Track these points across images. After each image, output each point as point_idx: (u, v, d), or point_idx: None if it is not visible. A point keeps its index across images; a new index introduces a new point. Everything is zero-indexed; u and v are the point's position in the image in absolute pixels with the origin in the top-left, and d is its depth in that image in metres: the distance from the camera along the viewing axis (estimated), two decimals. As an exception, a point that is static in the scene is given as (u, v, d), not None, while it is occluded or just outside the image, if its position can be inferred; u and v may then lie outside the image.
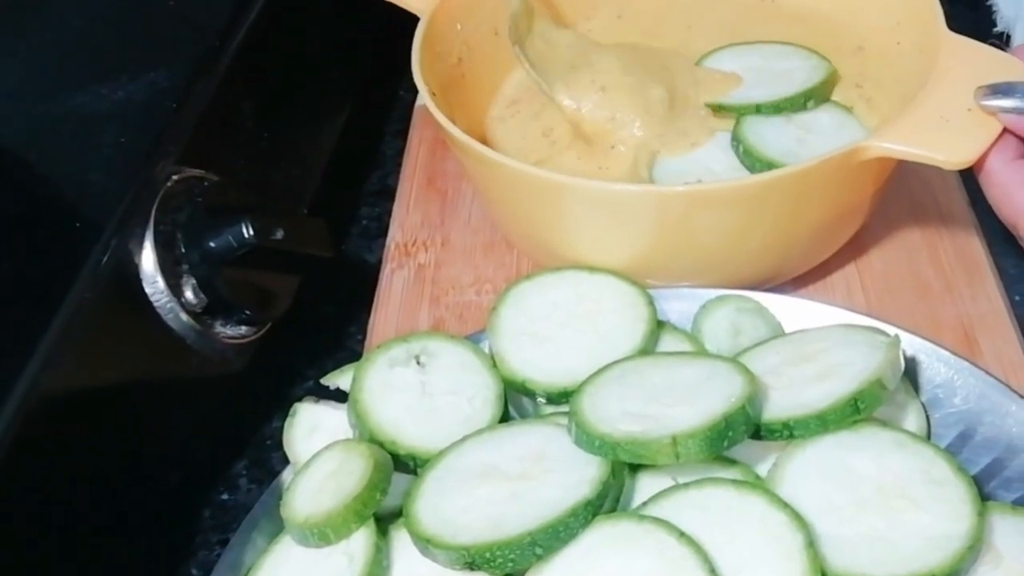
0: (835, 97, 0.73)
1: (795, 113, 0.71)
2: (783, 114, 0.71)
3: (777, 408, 0.53)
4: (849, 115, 0.71)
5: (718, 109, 0.72)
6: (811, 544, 0.47)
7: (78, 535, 0.58)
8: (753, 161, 0.68)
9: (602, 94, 0.71)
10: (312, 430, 0.58)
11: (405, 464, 0.55)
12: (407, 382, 0.58)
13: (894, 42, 0.72)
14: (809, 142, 0.69)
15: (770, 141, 0.68)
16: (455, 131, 0.64)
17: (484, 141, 0.68)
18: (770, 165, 0.67)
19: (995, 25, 0.88)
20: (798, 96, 0.71)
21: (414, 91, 0.68)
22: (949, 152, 0.58)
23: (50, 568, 0.56)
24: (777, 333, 0.61)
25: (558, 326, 0.61)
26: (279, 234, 0.61)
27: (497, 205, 0.71)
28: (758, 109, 0.70)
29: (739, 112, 0.71)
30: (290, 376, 0.73)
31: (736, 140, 0.69)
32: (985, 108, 0.59)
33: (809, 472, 0.51)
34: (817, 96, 0.71)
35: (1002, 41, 0.87)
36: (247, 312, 0.62)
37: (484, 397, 0.58)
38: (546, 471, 0.51)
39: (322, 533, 0.51)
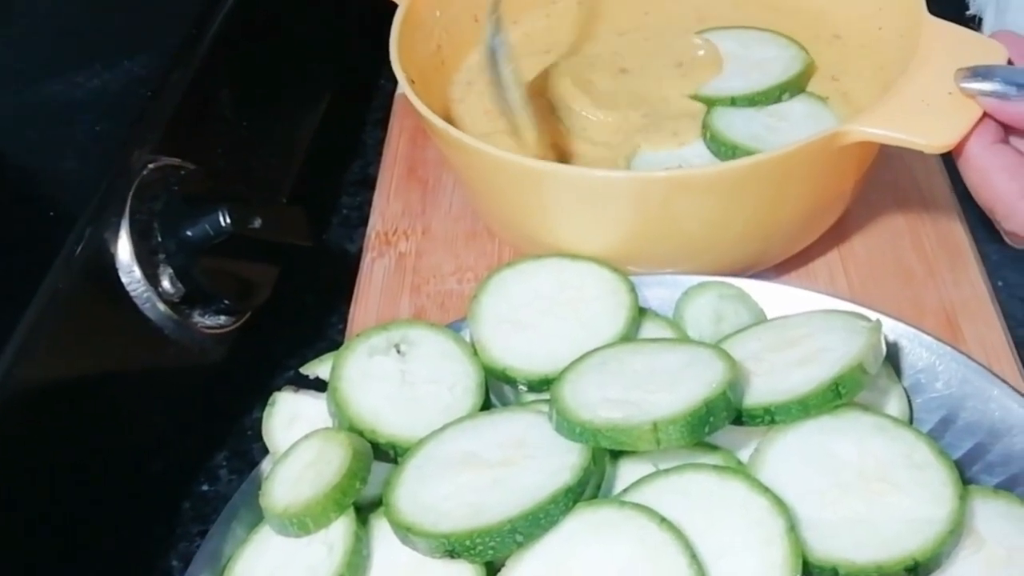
0: (810, 88, 0.73)
1: (768, 104, 0.71)
2: (757, 106, 0.70)
3: (759, 393, 0.53)
4: (823, 106, 0.71)
5: (695, 99, 0.72)
6: (792, 528, 0.47)
7: (57, 528, 0.57)
8: (719, 145, 0.67)
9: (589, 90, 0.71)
10: (291, 420, 0.58)
11: (385, 453, 0.54)
12: (387, 371, 0.57)
13: (875, 27, 0.72)
14: (780, 129, 0.69)
15: (738, 128, 0.68)
16: (434, 118, 0.63)
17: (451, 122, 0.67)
18: (735, 149, 0.67)
19: (967, 8, 0.88)
20: (773, 89, 0.70)
21: (394, 80, 0.68)
22: (930, 136, 0.58)
23: (30, 560, 0.56)
24: (759, 319, 0.61)
25: (539, 314, 0.61)
26: (257, 223, 0.61)
27: (478, 193, 0.70)
28: (733, 102, 0.70)
29: (714, 103, 0.71)
30: (270, 366, 0.73)
31: (705, 127, 0.69)
32: (965, 91, 0.58)
33: (790, 457, 0.51)
34: (792, 89, 0.71)
35: (974, 24, 0.87)
36: (226, 302, 0.62)
37: (465, 385, 0.57)
38: (527, 458, 0.51)
39: (301, 522, 0.50)
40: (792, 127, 0.69)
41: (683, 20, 0.78)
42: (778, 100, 0.71)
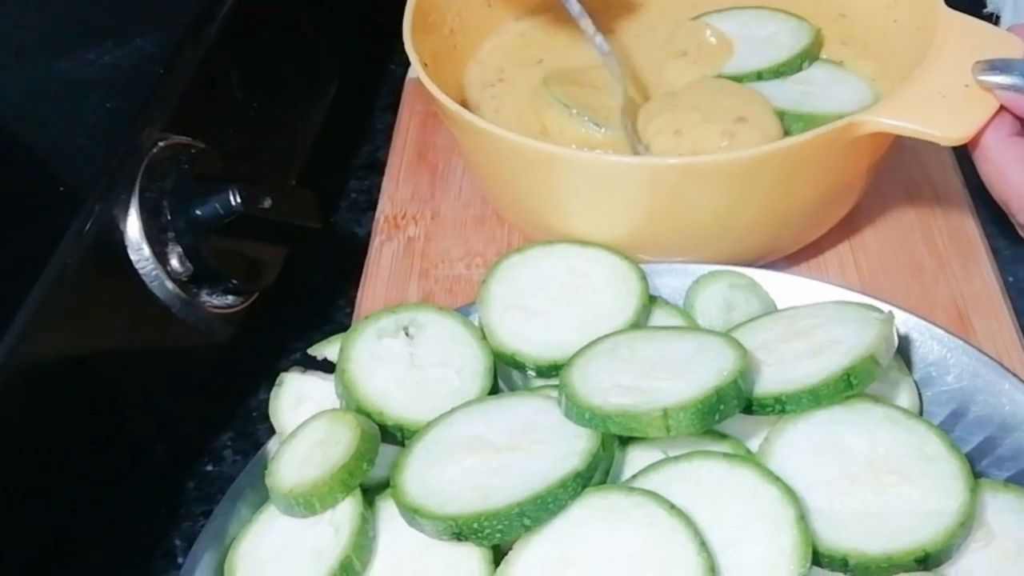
0: (823, 55, 0.74)
1: (792, 74, 0.72)
2: (781, 77, 0.72)
3: (769, 383, 0.52)
4: (842, 69, 0.73)
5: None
6: (802, 518, 0.46)
7: (60, 505, 0.57)
8: None
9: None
10: (299, 400, 0.57)
11: (392, 435, 0.54)
12: (395, 353, 0.57)
13: (890, 19, 0.72)
14: (813, 94, 0.70)
15: (777, 96, 0.70)
16: (446, 101, 0.63)
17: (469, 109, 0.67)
18: (783, 114, 0.68)
19: (985, 6, 0.87)
20: (794, 59, 0.72)
21: (405, 65, 0.68)
22: (945, 128, 0.58)
23: (33, 539, 0.55)
24: (770, 310, 0.61)
25: (549, 300, 0.61)
26: (267, 203, 0.60)
27: (489, 178, 0.70)
28: (759, 76, 0.71)
29: (741, 80, 0.71)
30: (276, 348, 0.72)
31: None
32: (982, 84, 0.58)
33: (800, 447, 0.51)
34: (810, 57, 0.73)
35: (992, 23, 0.86)
36: (234, 282, 0.62)
37: (473, 369, 0.57)
38: (535, 443, 0.51)
39: (307, 503, 0.50)
40: (824, 92, 0.70)
41: (679, 9, 0.78)
42: (799, 69, 0.72)
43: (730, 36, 0.74)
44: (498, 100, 0.74)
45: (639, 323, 0.59)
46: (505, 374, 0.59)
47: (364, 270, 0.75)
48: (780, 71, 0.71)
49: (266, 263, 0.65)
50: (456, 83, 0.74)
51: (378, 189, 0.81)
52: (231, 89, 0.68)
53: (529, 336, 0.58)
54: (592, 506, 0.48)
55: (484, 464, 0.50)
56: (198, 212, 0.59)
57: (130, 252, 0.57)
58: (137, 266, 0.57)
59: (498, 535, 0.47)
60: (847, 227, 0.71)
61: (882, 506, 0.48)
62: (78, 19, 0.66)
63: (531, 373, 0.58)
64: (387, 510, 0.51)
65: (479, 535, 0.47)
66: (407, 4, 0.70)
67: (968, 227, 0.73)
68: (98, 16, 0.66)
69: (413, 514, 0.48)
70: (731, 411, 0.50)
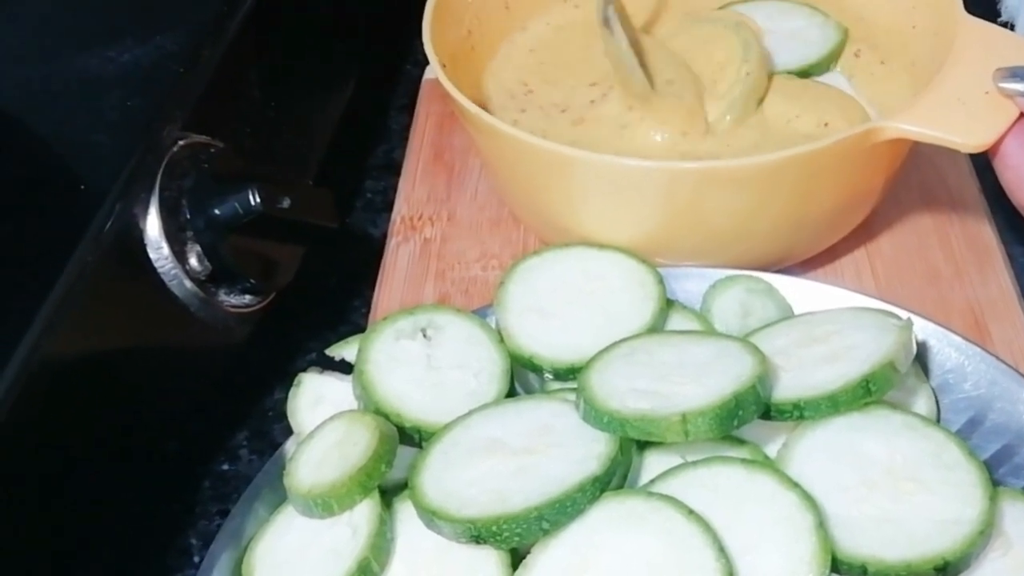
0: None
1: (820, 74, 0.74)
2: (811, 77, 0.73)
3: (787, 389, 0.52)
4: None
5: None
6: (822, 524, 0.46)
7: (76, 503, 0.57)
8: None
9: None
10: (317, 400, 0.57)
11: (410, 437, 0.54)
12: (413, 355, 0.57)
13: (909, 25, 0.72)
14: None
15: None
16: (465, 102, 0.63)
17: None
18: None
19: (999, 15, 0.87)
20: (826, 58, 0.73)
21: (421, 66, 0.68)
22: (965, 135, 0.58)
23: (48, 536, 0.55)
24: (787, 315, 0.61)
25: (566, 303, 0.61)
26: (286, 203, 0.60)
27: (506, 180, 0.70)
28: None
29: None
30: (292, 348, 0.72)
31: None
32: (1003, 91, 0.58)
33: (819, 453, 0.51)
34: (836, 58, 0.74)
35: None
36: (251, 281, 0.62)
37: (490, 372, 0.57)
38: (552, 446, 0.51)
39: (326, 504, 0.50)
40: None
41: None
42: (827, 70, 0.73)
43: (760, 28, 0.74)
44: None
45: (656, 327, 0.59)
46: (521, 377, 0.59)
47: (380, 271, 0.75)
48: (809, 72, 0.72)
49: (283, 263, 0.65)
50: (473, 84, 0.74)
51: (394, 190, 0.81)
52: (250, 88, 0.68)
53: (546, 339, 0.58)
54: (610, 510, 0.48)
55: (502, 467, 0.50)
56: (217, 211, 0.59)
57: (149, 251, 0.57)
58: (156, 265, 0.57)
59: (516, 538, 0.47)
60: (863, 233, 0.71)
61: (900, 513, 0.48)
62: (99, 16, 0.66)
63: (548, 376, 0.58)
64: (405, 512, 0.51)
65: (498, 538, 0.47)
66: (427, 4, 0.70)
67: (984, 233, 0.72)
68: (119, 14, 0.66)
69: (431, 516, 0.48)
70: (749, 417, 0.50)
